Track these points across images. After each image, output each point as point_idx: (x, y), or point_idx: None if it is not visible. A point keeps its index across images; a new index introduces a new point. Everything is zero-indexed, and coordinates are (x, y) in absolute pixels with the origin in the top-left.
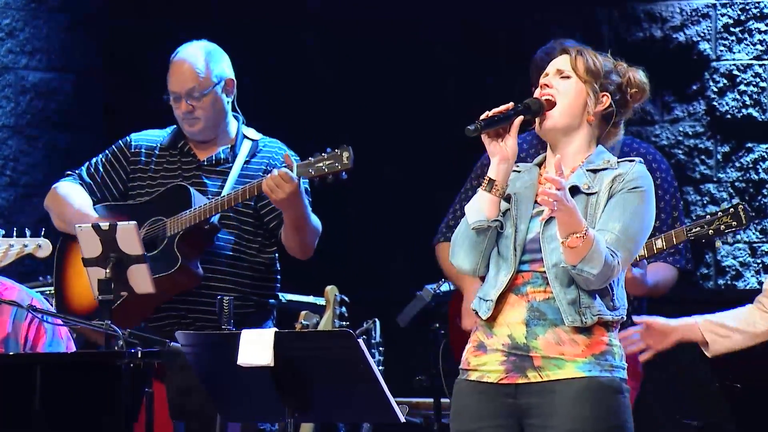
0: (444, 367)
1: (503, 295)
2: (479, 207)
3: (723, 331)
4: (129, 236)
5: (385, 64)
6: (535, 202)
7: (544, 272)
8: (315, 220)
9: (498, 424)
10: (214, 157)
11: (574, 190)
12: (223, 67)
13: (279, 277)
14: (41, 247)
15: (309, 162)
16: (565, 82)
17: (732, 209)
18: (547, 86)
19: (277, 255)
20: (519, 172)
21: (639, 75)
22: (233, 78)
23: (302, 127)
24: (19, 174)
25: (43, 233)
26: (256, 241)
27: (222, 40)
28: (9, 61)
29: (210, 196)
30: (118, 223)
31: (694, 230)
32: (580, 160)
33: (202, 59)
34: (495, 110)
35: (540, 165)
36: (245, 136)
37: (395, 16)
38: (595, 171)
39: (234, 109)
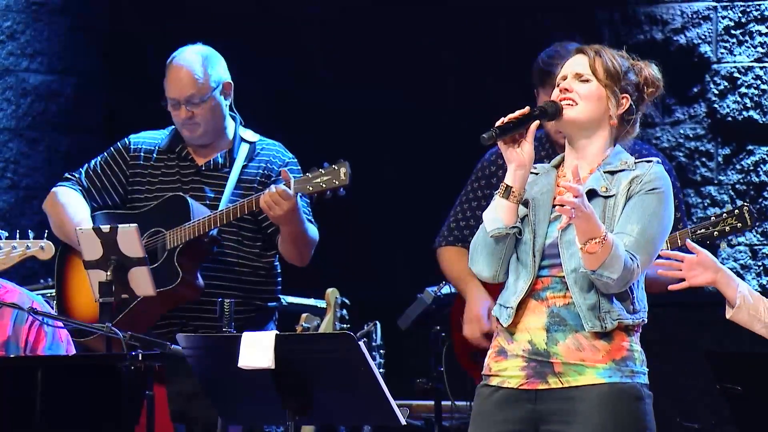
0: (445, 370)
1: (523, 300)
2: (497, 214)
3: (753, 307)
4: (130, 239)
5: (384, 64)
6: (553, 206)
7: (564, 277)
8: (312, 231)
9: (516, 429)
10: (212, 162)
11: (592, 194)
12: (220, 71)
13: (280, 279)
14: (44, 249)
15: (307, 178)
16: (585, 86)
17: (737, 210)
18: (567, 90)
19: (277, 258)
20: (537, 174)
21: (653, 71)
22: (230, 81)
23: (301, 127)
24: (20, 176)
25: (46, 235)
26: (255, 246)
27: (222, 40)
28: (10, 64)
29: (208, 202)
30: (119, 225)
31: (698, 231)
32: (598, 162)
33: (199, 64)
34: (510, 116)
35: (557, 166)
36: (243, 139)
37: (395, 16)
38: (612, 173)
39: (231, 110)
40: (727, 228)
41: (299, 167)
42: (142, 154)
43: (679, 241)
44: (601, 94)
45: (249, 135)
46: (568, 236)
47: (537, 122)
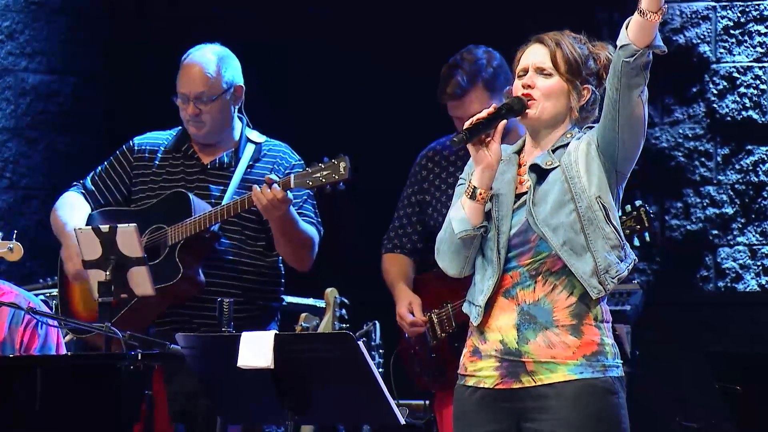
0: (392, 370)
1: (493, 297)
2: (464, 215)
3: None
4: (129, 238)
5: (384, 64)
6: (516, 196)
7: (532, 267)
8: (309, 231)
9: (497, 429)
10: (217, 161)
11: (535, 168)
12: (234, 73)
13: (283, 281)
14: (12, 250)
15: (306, 173)
16: (547, 82)
17: (635, 212)
18: (529, 86)
19: (280, 259)
20: (501, 160)
21: (611, 54)
22: (243, 85)
23: (301, 129)
24: (18, 176)
25: (15, 236)
26: (258, 245)
27: (222, 42)
28: (9, 64)
29: (213, 200)
30: (118, 225)
31: None
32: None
33: (214, 64)
34: (478, 116)
35: (518, 152)
36: (249, 140)
37: (394, 17)
38: (555, 149)
39: (240, 112)
40: (627, 231)
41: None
42: (146, 155)
43: None
44: (563, 89)
45: (255, 136)
46: (543, 214)
47: (504, 121)
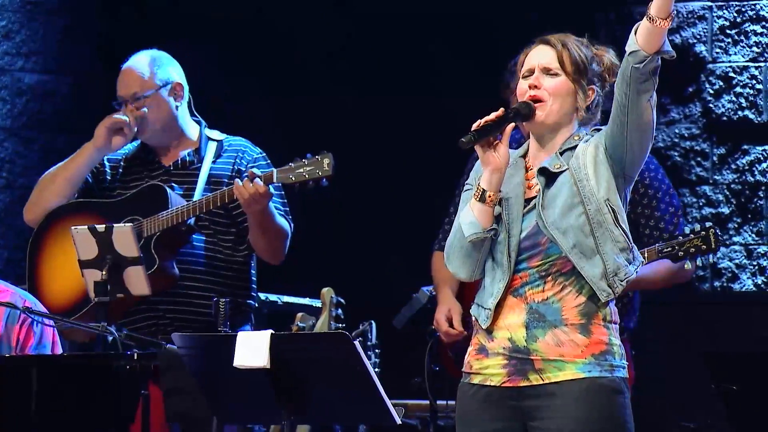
0: (429, 367)
1: (502, 297)
2: (473, 219)
3: None
4: (125, 238)
5: (382, 65)
6: (525, 200)
7: (542, 269)
8: (283, 224)
9: (502, 426)
10: (179, 161)
11: (544, 171)
12: (169, 71)
13: (255, 279)
14: None
15: (290, 168)
16: (553, 81)
17: (703, 232)
18: (536, 87)
19: (254, 256)
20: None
21: (613, 58)
22: (181, 82)
23: (296, 127)
24: (15, 176)
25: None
26: (228, 240)
27: (219, 42)
28: (5, 63)
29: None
30: (114, 225)
31: (665, 250)
32: (557, 148)
33: (146, 64)
34: (486, 118)
35: (524, 156)
36: (209, 138)
37: (393, 17)
38: (563, 152)
39: (193, 114)
40: (692, 249)
41: (268, 161)
42: (107, 170)
43: (646, 257)
44: (569, 89)
45: (215, 134)
46: (553, 217)
47: (512, 124)
